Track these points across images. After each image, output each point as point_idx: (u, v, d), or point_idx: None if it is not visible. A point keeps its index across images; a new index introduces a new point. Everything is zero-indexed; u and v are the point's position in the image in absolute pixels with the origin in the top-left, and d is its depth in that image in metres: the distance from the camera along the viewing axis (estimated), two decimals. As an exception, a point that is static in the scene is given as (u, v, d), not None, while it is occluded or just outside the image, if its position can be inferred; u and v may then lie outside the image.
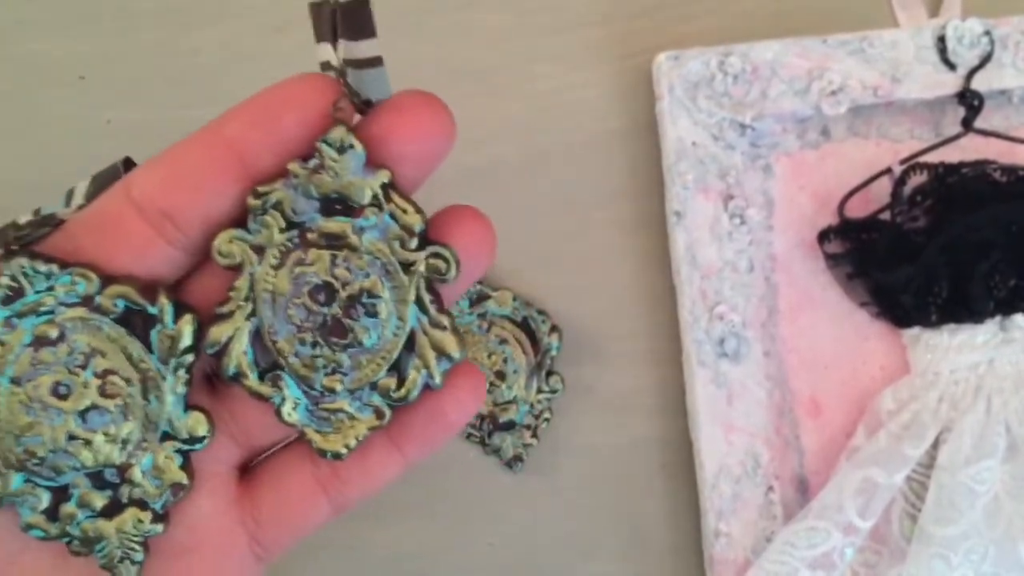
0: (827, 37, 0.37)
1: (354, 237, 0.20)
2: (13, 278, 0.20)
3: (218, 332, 0.20)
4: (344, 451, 0.21)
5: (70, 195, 0.20)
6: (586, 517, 0.38)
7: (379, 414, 0.21)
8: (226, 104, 0.42)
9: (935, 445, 0.35)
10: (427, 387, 0.21)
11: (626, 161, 0.39)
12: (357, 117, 0.20)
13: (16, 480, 0.20)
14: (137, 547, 0.21)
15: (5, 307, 0.20)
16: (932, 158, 0.36)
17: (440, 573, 0.37)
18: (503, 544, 0.38)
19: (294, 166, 0.20)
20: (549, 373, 0.38)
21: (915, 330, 0.37)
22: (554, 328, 0.38)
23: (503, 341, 0.38)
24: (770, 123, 0.37)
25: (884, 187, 0.37)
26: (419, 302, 0.20)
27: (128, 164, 0.21)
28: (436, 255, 0.20)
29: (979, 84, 0.36)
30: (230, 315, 0.20)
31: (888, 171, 0.37)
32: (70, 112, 0.38)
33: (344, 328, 0.20)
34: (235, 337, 0.20)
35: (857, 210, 0.37)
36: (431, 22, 0.39)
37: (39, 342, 0.20)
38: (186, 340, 0.20)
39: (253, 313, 0.20)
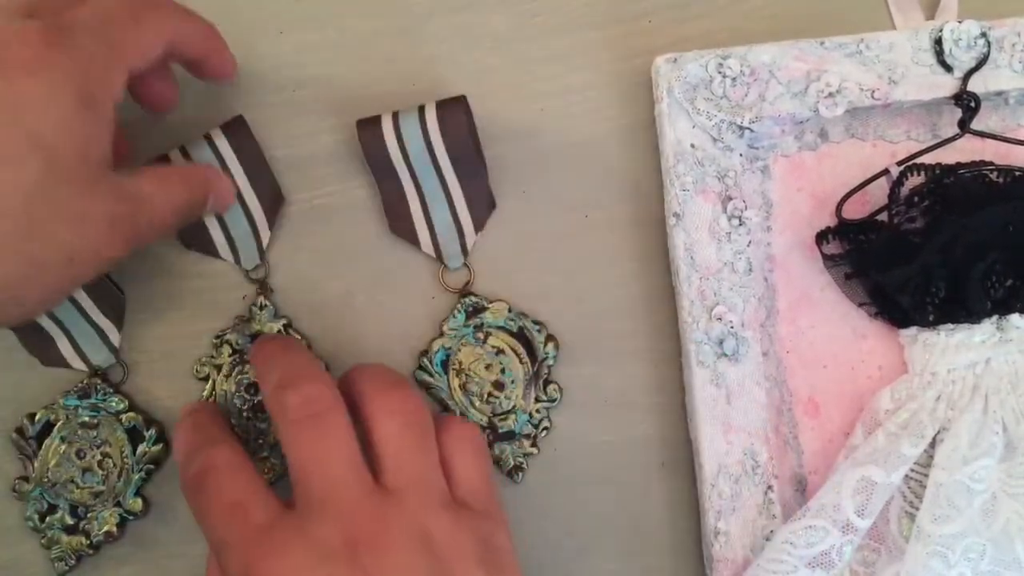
0: (824, 40, 0.37)
1: None
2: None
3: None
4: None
5: None
6: (585, 516, 0.38)
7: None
8: (228, 105, 0.42)
9: (933, 444, 0.35)
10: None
11: (625, 163, 0.39)
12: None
13: (35, 491, 0.37)
14: (71, 555, 0.36)
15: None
16: (929, 159, 0.37)
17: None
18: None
19: (237, 319, 0.37)
20: (547, 382, 0.38)
21: (913, 330, 0.37)
22: (550, 337, 0.38)
23: (500, 352, 0.38)
24: (768, 125, 0.37)
25: (882, 188, 0.37)
26: None
27: None
28: None
29: (975, 86, 0.37)
30: None
31: (886, 172, 0.37)
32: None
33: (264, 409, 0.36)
34: None
35: (855, 211, 0.38)
36: (431, 23, 0.39)
37: (83, 426, 0.37)
38: (153, 455, 0.37)
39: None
